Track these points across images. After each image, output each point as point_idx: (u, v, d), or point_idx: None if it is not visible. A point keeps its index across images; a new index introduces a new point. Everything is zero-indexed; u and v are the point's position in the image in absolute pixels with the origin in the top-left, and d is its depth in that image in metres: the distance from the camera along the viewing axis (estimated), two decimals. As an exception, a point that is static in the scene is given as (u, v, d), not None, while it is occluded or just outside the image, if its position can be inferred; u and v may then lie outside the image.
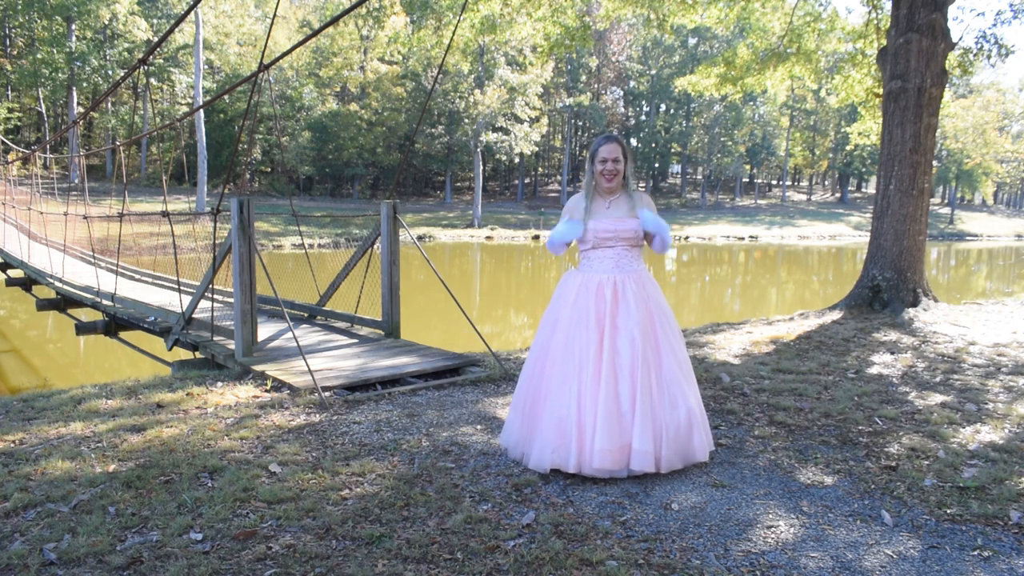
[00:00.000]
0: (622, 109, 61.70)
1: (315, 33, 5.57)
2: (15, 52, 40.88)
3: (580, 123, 58.11)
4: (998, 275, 29.48)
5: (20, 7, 38.18)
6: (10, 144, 22.13)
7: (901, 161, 8.30)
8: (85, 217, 11.15)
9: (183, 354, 6.98)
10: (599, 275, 3.43)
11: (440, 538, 2.76)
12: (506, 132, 42.52)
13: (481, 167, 44.33)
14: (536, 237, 39.99)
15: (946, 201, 67.52)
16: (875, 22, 10.86)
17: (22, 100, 42.77)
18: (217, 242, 6.31)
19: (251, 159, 44.49)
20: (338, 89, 49.56)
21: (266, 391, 4.93)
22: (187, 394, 4.87)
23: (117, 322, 8.69)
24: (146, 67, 6.51)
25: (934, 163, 30.55)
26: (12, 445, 3.89)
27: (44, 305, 11.44)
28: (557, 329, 3.46)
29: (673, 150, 59.56)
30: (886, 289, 8.37)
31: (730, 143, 56.25)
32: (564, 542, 2.73)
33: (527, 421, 3.49)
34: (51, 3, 37.45)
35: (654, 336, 3.39)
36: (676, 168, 65.60)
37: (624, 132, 59.99)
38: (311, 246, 30.59)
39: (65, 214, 13.18)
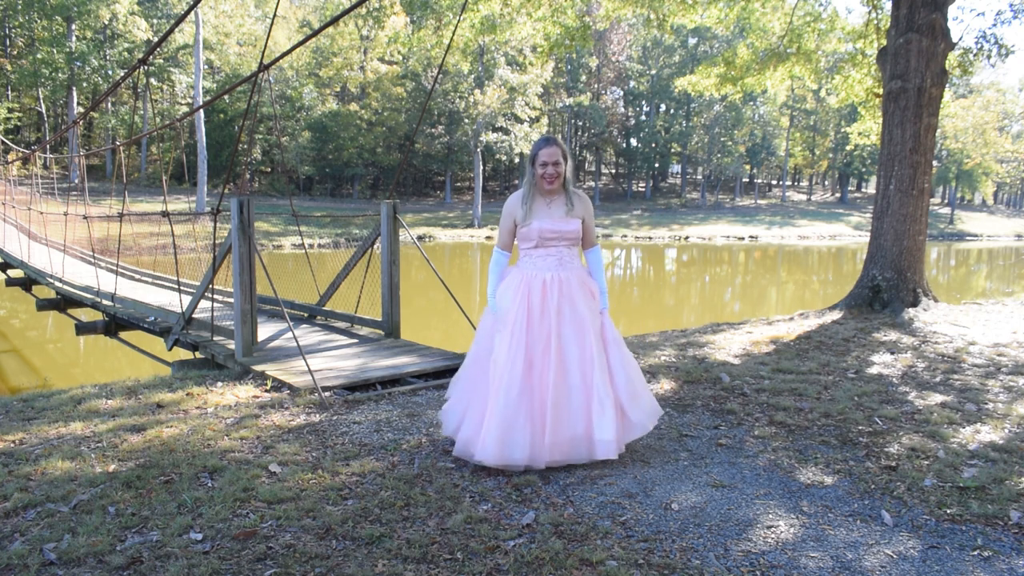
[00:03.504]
0: (622, 109, 61.64)
1: (315, 33, 5.58)
2: (15, 52, 40.89)
3: (580, 123, 58.06)
4: (998, 275, 29.48)
5: (20, 7, 38.18)
6: (10, 144, 22.11)
7: (901, 161, 8.30)
8: (85, 217, 11.15)
9: (183, 354, 6.98)
10: (543, 273, 3.50)
11: (440, 538, 2.76)
12: (506, 132, 42.48)
13: (481, 167, 44.31)
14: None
15: (946, 201, 67.49)
16: (875, 22, 10.85)
17: (22, 100, 42.77)
18: (217, 242, 6.31)
19: (251, 159, 44.47)
20: (338, 89, 49.55)
21: (266, 391, 4.93)
22: (187, 394, 4.87)
23: (117, 322, 8.69)
24: (146, 67, 6.51)
25: (934, 163, 30.58)
26: (12, 445, 3.89)
27: (44, 305, 11.44)
28: (505, 327, 3.48)
29: (673, 150, 59.51)
30: (886, 289, 8.37)
31: (730, 143, 56.20)
32: (564, 542, 2.73)
33: (473, 412, 3.57)
34: (51, 3, 37.45)
35: (599, 331, 3.55)
36: (676, 168, 65.56)
37: (624, 132, 59.98)
38: (311, 246, 30.59)
39: (65, 214, 13.18)
